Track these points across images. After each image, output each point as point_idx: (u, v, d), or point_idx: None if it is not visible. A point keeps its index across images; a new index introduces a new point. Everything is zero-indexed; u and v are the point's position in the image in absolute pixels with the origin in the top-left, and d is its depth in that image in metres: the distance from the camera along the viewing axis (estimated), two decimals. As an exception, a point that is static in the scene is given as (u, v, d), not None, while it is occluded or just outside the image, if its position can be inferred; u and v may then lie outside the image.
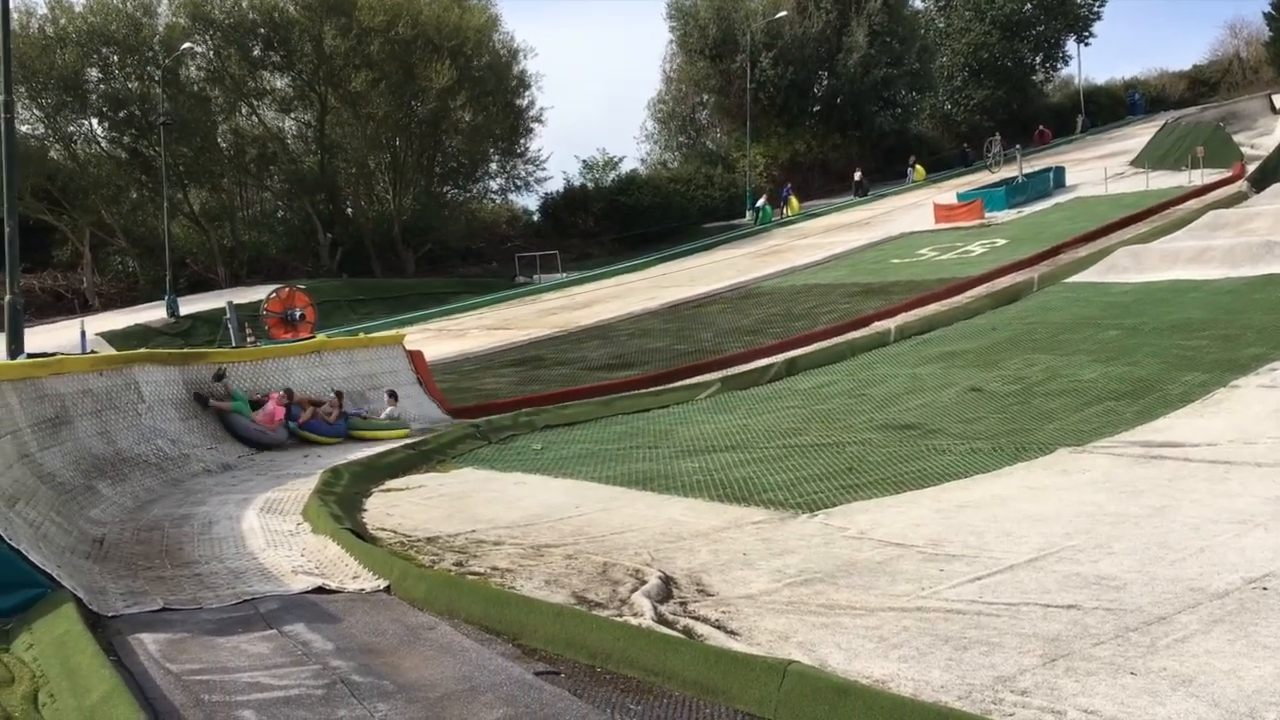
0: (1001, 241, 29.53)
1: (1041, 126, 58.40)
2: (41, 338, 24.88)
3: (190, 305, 34.99)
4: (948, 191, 41.56)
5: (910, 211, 39.78)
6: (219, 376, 13.47)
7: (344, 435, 13.99)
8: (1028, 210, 35.44)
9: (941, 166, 53.45)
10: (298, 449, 13.28)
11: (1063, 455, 9.17)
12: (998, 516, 7.24)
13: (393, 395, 14.90)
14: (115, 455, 10.74)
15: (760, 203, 48.01)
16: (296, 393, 14.11)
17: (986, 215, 34.94)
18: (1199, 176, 33.18)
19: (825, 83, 56.79)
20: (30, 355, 13.02)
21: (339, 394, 14.48)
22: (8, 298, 14.91)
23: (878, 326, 20.01)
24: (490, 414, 15.02)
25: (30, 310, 27.62)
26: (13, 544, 6.23)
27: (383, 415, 14.60)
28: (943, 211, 36.05)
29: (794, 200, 48.36)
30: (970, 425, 11.08)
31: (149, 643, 5.56)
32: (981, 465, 9.05)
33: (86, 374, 11.18)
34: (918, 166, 51.83)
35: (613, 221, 49.71)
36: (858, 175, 50.81)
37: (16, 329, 14.68)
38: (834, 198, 50.88)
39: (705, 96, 59.49)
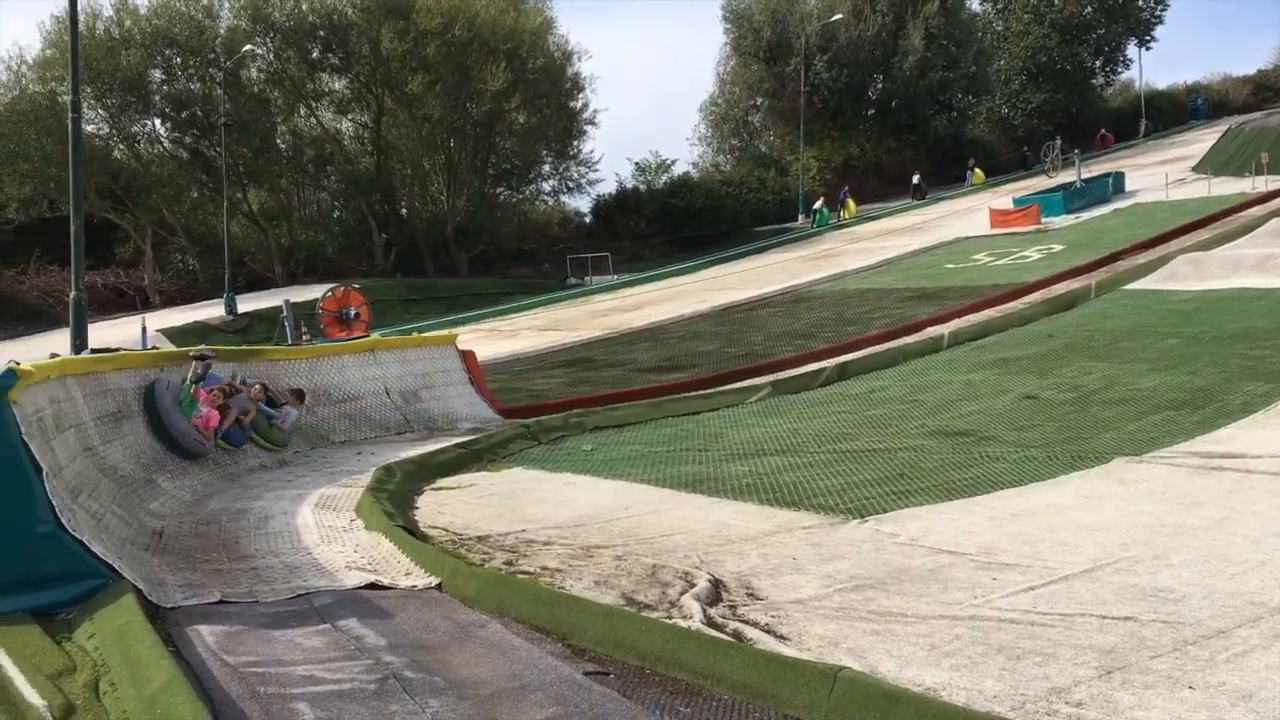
0: (1058, 247, 29.13)
1: (1104, 130, 57.53)
2: (104, 333, 25.41)
3: (248, 303, 35.56)
4: (1004, 196, 41.12)
5: (965, 216, 39.40)
6: (200, 358, 11.64)
7: (239, 445, 11.91)
8: (1085, 216, 34.95)
9: (998, 170, 52.88)
10: (351, 446, 13.42)
11: (1120, 465, 9.03)
12: (1052, 526, 7.15)
13: (298, 394, 13.22)
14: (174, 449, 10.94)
15: (817, 205, 47.81)
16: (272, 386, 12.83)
17: (1043, 221, 34.50)
18: (1263, 183, 32.51)
19: (880, 86, 56.48)
20: (94, 350, 13.28)
21: (263, 386, 12.49)
22: (73, 294, 15.26)
23: (931, 332, 19.83)
24: (541, 414, 15.09)
25: (93, 306, 28.22)
26: (76, 535, 6.37)
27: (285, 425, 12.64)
28: (998, 216, 35.66)
29: (851, 203, 48.09)
30: (1025, 433, 10.95)
31: (206, 634, 5.67)
32: (1036, 473, 8.94)
33: (148, 369, 11.40)
34: (976, 170, 51.31)
35: (664, 224, 49.75)
36: (916, 178, 50.39)
37: (81, 324, 15.02)
38: (888, 201, 50.54)
39: (759, 99, 59.39)
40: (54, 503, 6.36)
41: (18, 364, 6.85)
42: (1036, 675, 4.46)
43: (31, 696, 4.72)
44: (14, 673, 5.06)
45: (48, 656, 5.35)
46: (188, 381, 11.13)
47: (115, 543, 7.26)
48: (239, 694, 4.71)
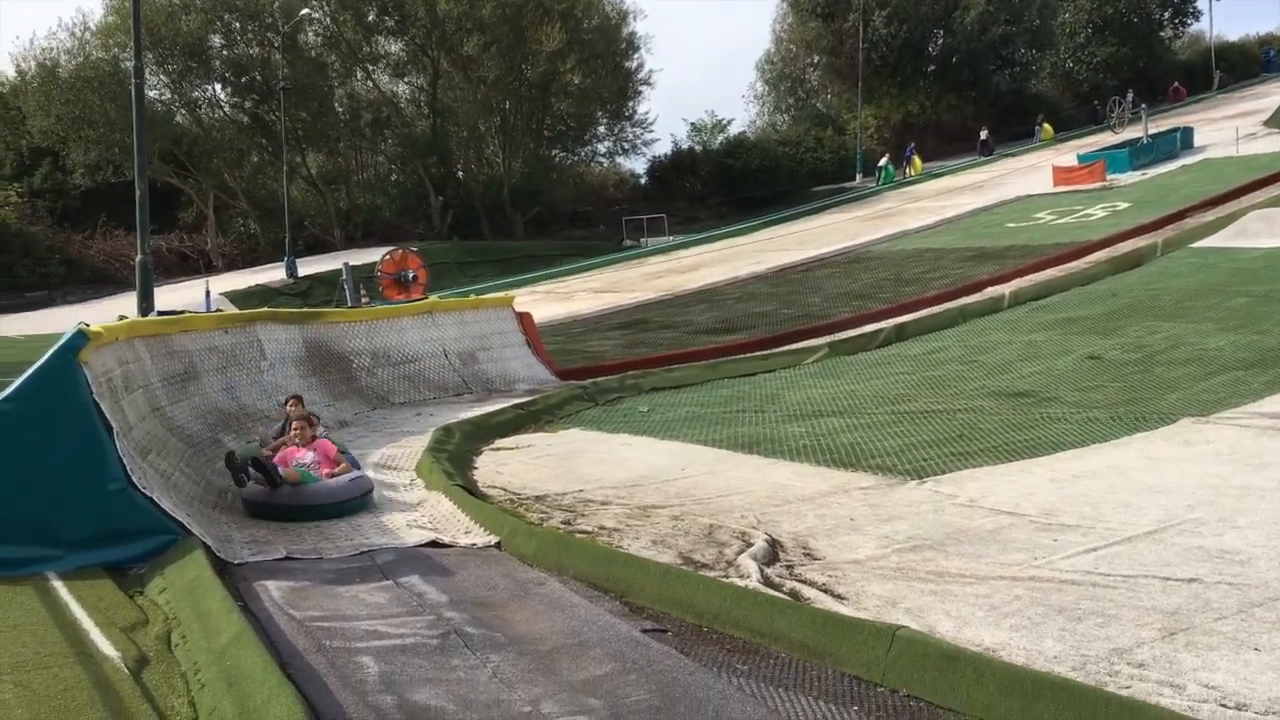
0: (1124, 205, 28.51)
1: (1176, 83, 55.93)
2: (168, 297, 25.90)
3: (308, 266, 36.01)
4: (1069, 153, 40.26)
5: (1027, 174, 38.67)
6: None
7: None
8: (1152, 173, 34.12)
9: (1063, 126, 51.71)
10: (411, 408, 13.58)
11: (1186, 426, 8.87)
12: (1115, 487, 7.05)
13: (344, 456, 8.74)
14: (239, 410, 11.15)
15: (883, 163, 47.16)
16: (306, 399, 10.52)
17: (1108, 178, 33.74)
18: (1339, 136, 31.47)
19: (940, 41, 55.32)
20: (160, 313, 13.55)
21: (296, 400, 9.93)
22: (138, 258, 15.56)
23: (991, 292, 19.55)
24: (597, 376, 15.15)
25: (158, 270, 28.75)
26: (146, 492, 6.54)
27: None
28: (1062, 174, 34.93)
29: (917, 160, 47.36)
30: (1087, 394, 10.78)
31: (273, 589, 5.80)
32: (1099, 435, 8.81)
33: (213, 331, 11.61)
34: (1045, 125, 50.23)
35: (720, 184, 49.41)
36: (984, 134, 49.33)
37: (147, 287, 15.32)
38: (947, 159, 49.68)
39: (816, 57, 58.57)
40: (124, 461, 6.53)
41: (87, 326, 7.01)
42: (1098, 636, 4.42)
43: (106, 648, 4.87)
44: (89, 625, 5.22)
45: (121, 610, 5.52)
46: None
47: (184, 500, 7.45)
48: (305, 647, 4.82)
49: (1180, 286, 17.35)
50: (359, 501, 7.93)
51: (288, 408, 9.46)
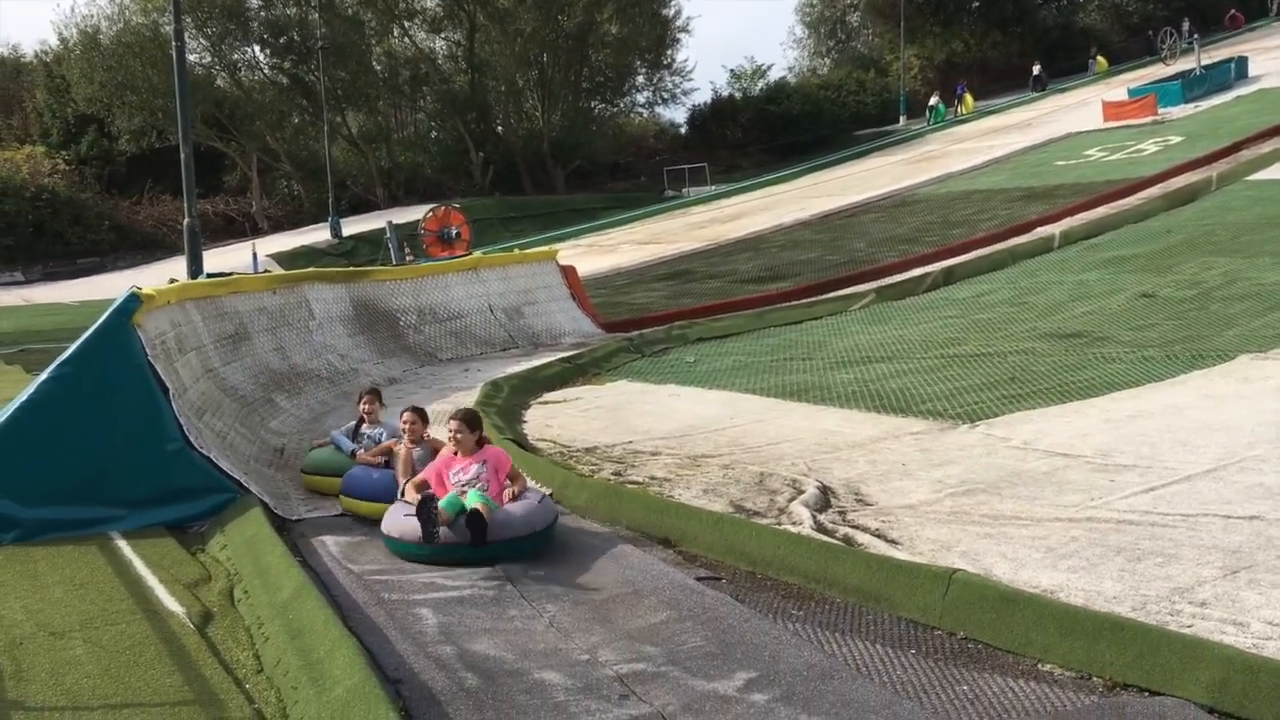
0: (1176, 139, 27.84)
1: (1233, 10, 54.21)
2: (216, 260, 26.16)
3: (352, 226, 36.20)
4: (1119, 87, 39.33)
5: (1076, 111, 37.84)
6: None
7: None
8: (1205, 105, 33.26)
9: (1114, 59, 50.41)
10: (458, 364, 13.66)
11: (1244, 362, 8.70)
12: (1172, 426, 6.94)
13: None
14: (290, 370, 11.27)
15: (933, 101, 46.34)
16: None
17: (1160, 111, 32.93)
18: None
19: (984, -24, 54.02)
20: (209, 275, 13.69)
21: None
22: (186, 221, 15.72)
23: (1040, 232, 19.22)
24: (643, 328, 15.13)
25: (205, 234, 29.06)
26: (203, 452, 6.65)
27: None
28: (1112, 109, 34.14)
29: (969, 98, 46.47)
30: (1142, 332, 10.60)
31: (330, 545, 5.89)
32: (1154, 374, 8.67)
33: (262, 293, 11.71)
34: (1100, 58, 49.02)
35: (761, 132, 48.89)
36: (1036, 69, 48.14)
37: (195, 250, 15.48)
38: (993, 98, 48.67)
39: (856, -3, 57.49)
40: (181, 422, 6.63)
41: (139, 289, 7.09)
42: (1158, 576, 4.38)
43: (171, 604, 4.98)
44: (153, 582, 5.34)
45: (184, 567, 5.63)
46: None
47: (240, 459, 7.56)
48: (364, 600, 4.90)
49: (1236, 221, 16.95)
50: (549, 532, 5.69)
51: (361, 406, 7.35)
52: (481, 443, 5.98)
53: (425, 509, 5.36)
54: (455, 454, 5.89)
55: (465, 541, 5.35)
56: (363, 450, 6.97)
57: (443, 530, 5.38)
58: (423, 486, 5.76)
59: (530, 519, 5.54)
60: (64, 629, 4.67)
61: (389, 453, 6.75)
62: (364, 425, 7.25)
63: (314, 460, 7.29)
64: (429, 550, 5.40)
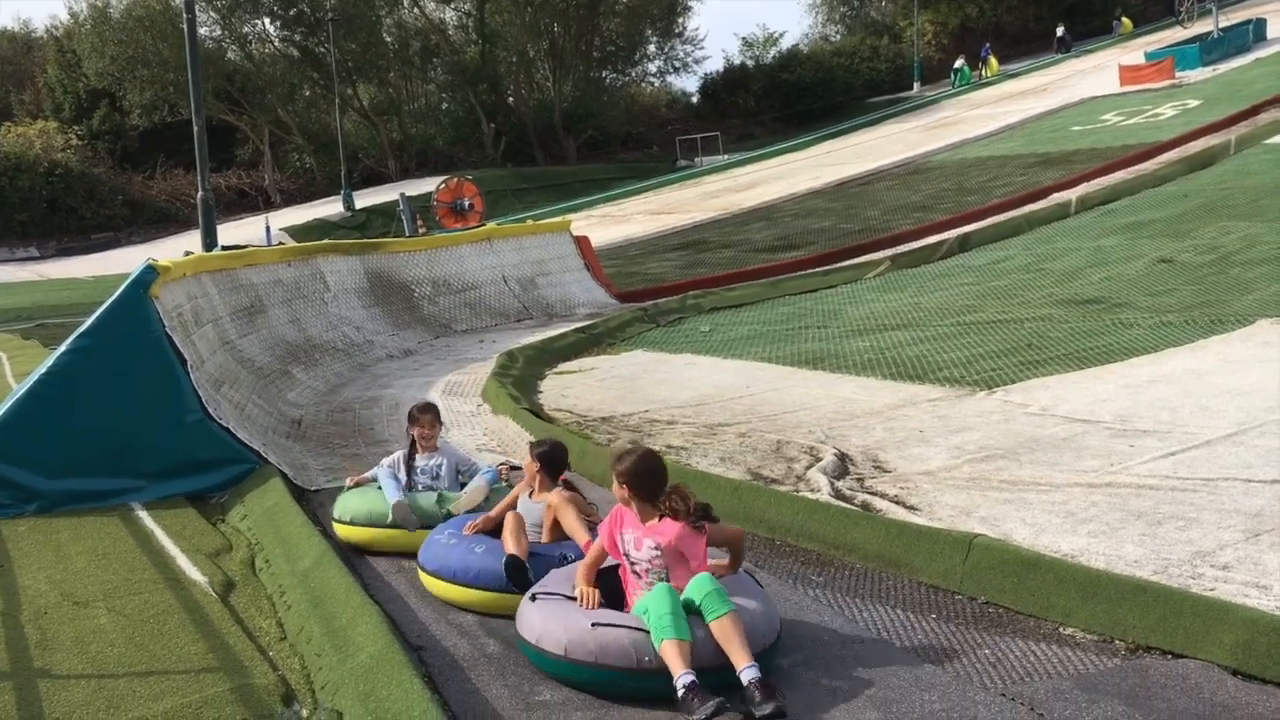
0: (1194, 102, 27.55)
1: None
2: (230, 234, 26.17)
3: (365, 199, 36.17)
4: (1135, 51, 38.90)
5: (1092, 75, 37.46)
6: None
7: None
8: (1224, 68, 32.88)
9: (1137, 22, 49.79)
10: (473, 335, 13.66)
11: (1263, 327, 8.64)
12: (1192, 391, 6.91)
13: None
14: (306, 342, 11.31)
15: (958, 64, 45.92)
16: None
17: (1177, 75, 32.57)
18: None
19: (1000, -62, 53.29)
20: (224, 248, 13.71)
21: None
22: (199, 194, 15.70)
23: (1057, 198, 19.07)
24: (657, 298, 15.11)
25: (218, 208, 29.08)
26: (222, 423, 6.67)
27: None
28: (1129, 73, 33.78)
29: (993, 60, 46.02)
30: (1160, 298, 10.53)
31: (350, 514, 5.90)
32: (1173, 339, 8.62)
33: (276, 265, 11.74)
34: (1124, 19, 48.49)
35: (774, 100, 48.59)
36: (1060, 31, 47.55)
37: (210, 223, 15.48)
38: (1011, 63, 48.15)
39: (870, -38, 56.89)
40: (199, 393, 6.65)
41: (155, 261, 7.10)
42: (1179, 539, 4.36)
43: (194, 574, 5.02)
44: (175, 552, 5.37)
45: (205, 537, 5.67)
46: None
47: (258, 431, 7.59)
48: (385, 568, 4.92)
49: (1255, 185, 16.79)
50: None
51: (415, 430, 5.51)
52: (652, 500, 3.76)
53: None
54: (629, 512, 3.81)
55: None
56: (411, 496, 5.18)
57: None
58: (594, 569, 3.83)
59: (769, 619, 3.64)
60: (88, 598, 4.71)
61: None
62: (419, 455, 5.50)
63: (350, 508, 5.25)
64: (636, 682, 3.40)
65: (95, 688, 3.75)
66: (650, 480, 3.74)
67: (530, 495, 4.63)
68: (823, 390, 8.27)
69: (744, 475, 5.96)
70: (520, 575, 4.08)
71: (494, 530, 4.48)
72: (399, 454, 5.56)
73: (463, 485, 5.42)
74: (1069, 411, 6.75)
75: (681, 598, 3.46)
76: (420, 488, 5.35)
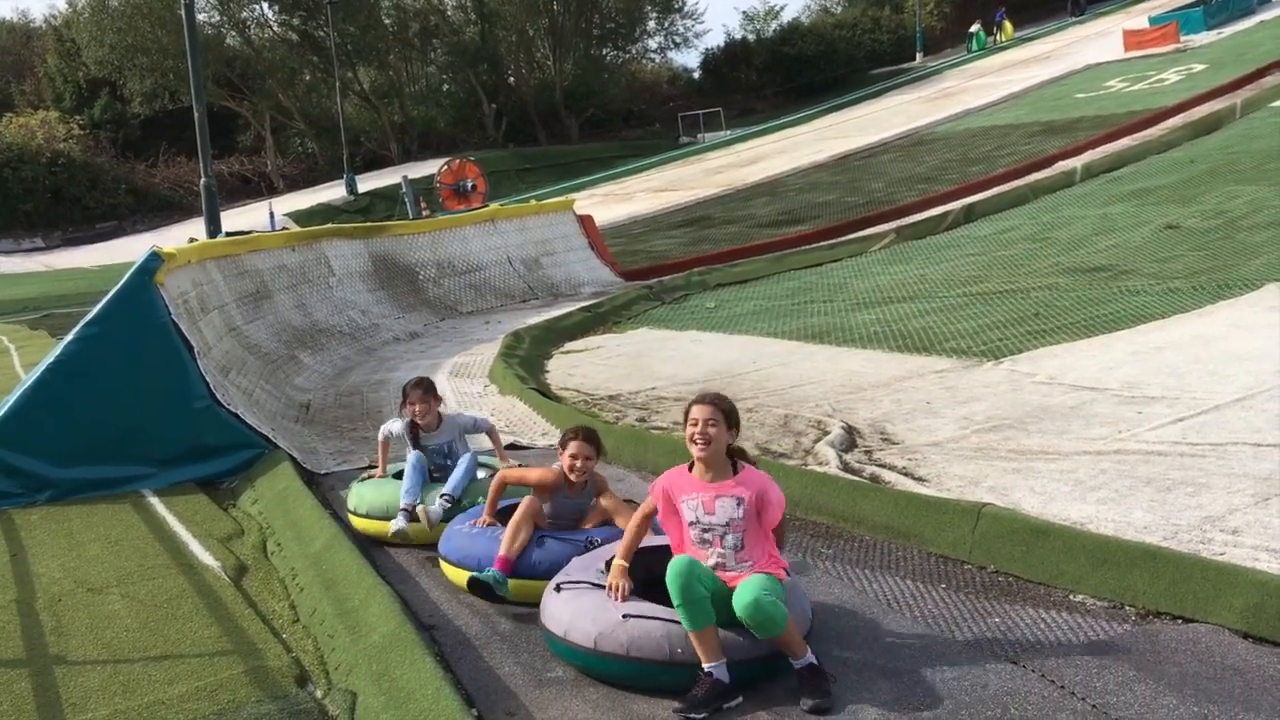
0: (1199, 66, 27.36)
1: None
2: (234, 220, 26.19)
3: (367, 183, 36.14)
4: (1139, 15, 38.62)
5: (1096, 42, 37.23)
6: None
7: None
8: (1229, 30, 32.68)
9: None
10: (479, 316, 13.67)
11: (1271, 291, 8.59)
12: (1200, 357, 6.89)
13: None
14: (312, 326, 11.32)
15: (974, 29, 45.67)
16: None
17: (1182, 39, 32.35)
18: None
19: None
20: (228, 234, 13.71)
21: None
22: (202, 180, 15.72)
23: (1062, 166, 18.99)
24: (662, 275, 15.10)
25: (221, 195, 29.08)
26: (231, 409, 6.69)
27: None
28: (1133, 38, 33.57)
29: (1008, 25, 45.79)
30: (1167, 264, 10.49)
31: (360, 497, 5.92)
32: (1180, 305, 8.58)
33: (281, 250, 11.73)
34: None
35: (775, 74, 48.40)
36: None
37: (213, 210, 15.49)
38: (1024, 28, 47.81)
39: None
40: (207, 379, 6.67)
41: (159, 248, 7.11)
42: (1188, 505, 4.36)
43: (206, 558, 5.04)
44: (187, 537, 5.40)
45: (216, 522, 5.69)
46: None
47: (266, 416, 7.60)
48: (395, 550, 4.93)
49: (1261, 148, 16.69)
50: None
51: (409, 409, 5.20)
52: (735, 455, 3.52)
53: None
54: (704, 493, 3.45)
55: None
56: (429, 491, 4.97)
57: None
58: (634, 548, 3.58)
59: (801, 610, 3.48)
60: (101, 585, 4.74)
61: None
62: (422, 436, 5.21)
63: (365, 500, 5.10)
64: (670, 674, 3.26)
65: (110, 673, 3.78)
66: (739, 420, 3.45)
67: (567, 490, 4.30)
68: (829, 364, 8.26)
69: (752, 450, 5.94)
70: (486, 592, 3.96)
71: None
72: (399, 427, 5.24)
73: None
74: (1076, 380, 6.74)
75: (736, 601, 3.16)
76: (436, 472, 5.15)
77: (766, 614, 3.12)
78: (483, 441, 5.49)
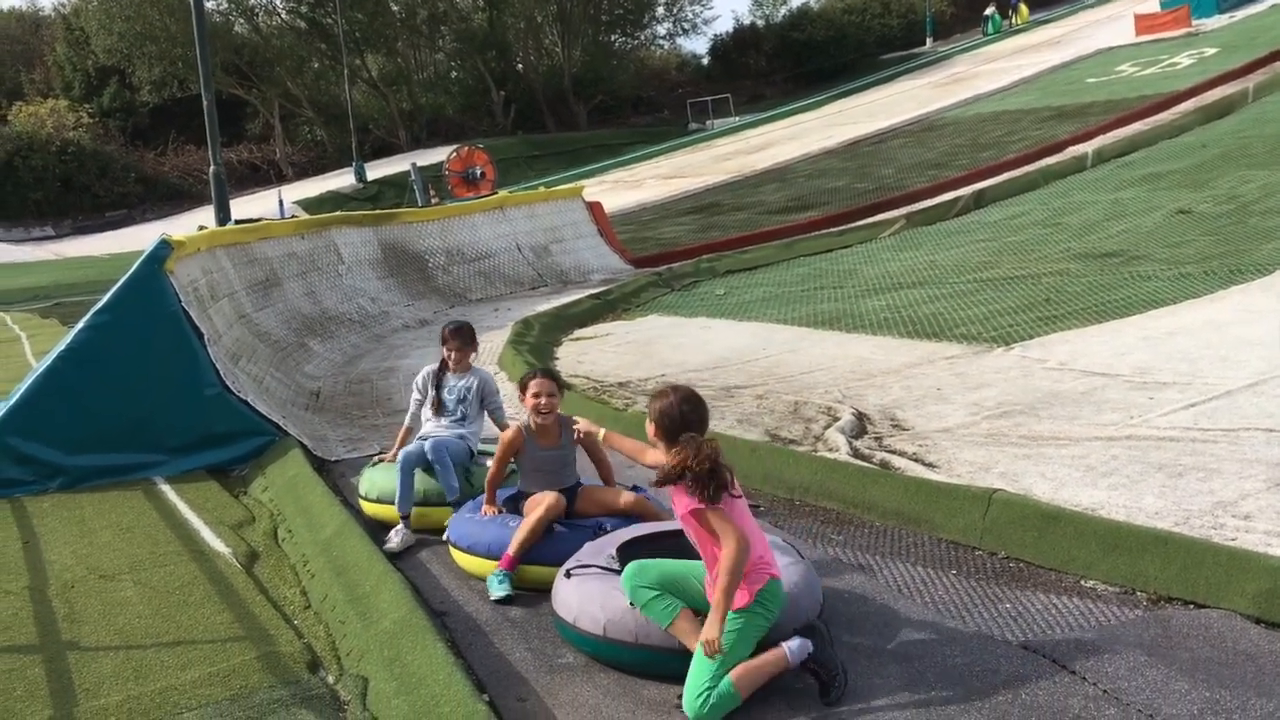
0: (1211, 50, 27.18)
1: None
2: (243, 207, 26.20)
3: (376, 170, 36.12)
4: (1150, 0, 38.38)
5: (1107, 26, 37.01)
6: None
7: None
8: (1241, 14, 32.44)
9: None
10: (488, 303, 13.67)
11: (1284, 276, 8.55)
12: (1212, 342, 6.85)
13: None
14: (322, 314, 11.33)
15: (989, 11, 45.51)
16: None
17: (1194, 23, 32.13)
18: None
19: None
20: (238, 222, 13.72)
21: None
22: (212, 168, 15.67)
23: (1073, 151, 18.88)
24: (671, 262, 15.07)
25: (231, 181, 29.06)
26: (241, 396, 6.70)
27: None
28: (1144, 22, 33.35)
29: (1023, 8, 45.64)
30: (1178, 249, 10.43)
31: (370, 484, 5.93)
32: (1192, 290, 8.54)
33: (290, 237, 11.74)
34: None
35: (785, 60, 48.23)
36: None
37: (222, 198, 15.47)
38: (1042, 10, 47.56)
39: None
40: (218, 367, 6.68)
41: (169, 236, 7.11)
42: (1200, 490, 4.34)
43: (217, 545, 5.06)
44: (198, 524, 5.42)
45: (227, 509, 5.71)
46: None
47: (277, 403, 7.62)
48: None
49: (1274, 133, 16.57)
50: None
51: (448, 350, 5.32)
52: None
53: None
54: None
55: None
56: (444, 421, 5.10)
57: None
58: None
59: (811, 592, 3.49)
60: (113, 572, 4.76)
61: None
62: (450, 374, 5.31)
63: (376, 485, 5.08)
64: (678, 662, 3.19)
65: (123, 659, 3.80)
66: (671, 425, 3.28)
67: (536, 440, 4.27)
68: (839, 350, 8.24)
69: (762, 436, 5.96)
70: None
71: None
72: (428, 370, 5.35)
73: (487, 412, 5.31)
74: (1087, 365, 6.71)
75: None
76: (449, 406, 5.18)
77: (716, 713, 2.99)
78: (490, 429, 5.50)
